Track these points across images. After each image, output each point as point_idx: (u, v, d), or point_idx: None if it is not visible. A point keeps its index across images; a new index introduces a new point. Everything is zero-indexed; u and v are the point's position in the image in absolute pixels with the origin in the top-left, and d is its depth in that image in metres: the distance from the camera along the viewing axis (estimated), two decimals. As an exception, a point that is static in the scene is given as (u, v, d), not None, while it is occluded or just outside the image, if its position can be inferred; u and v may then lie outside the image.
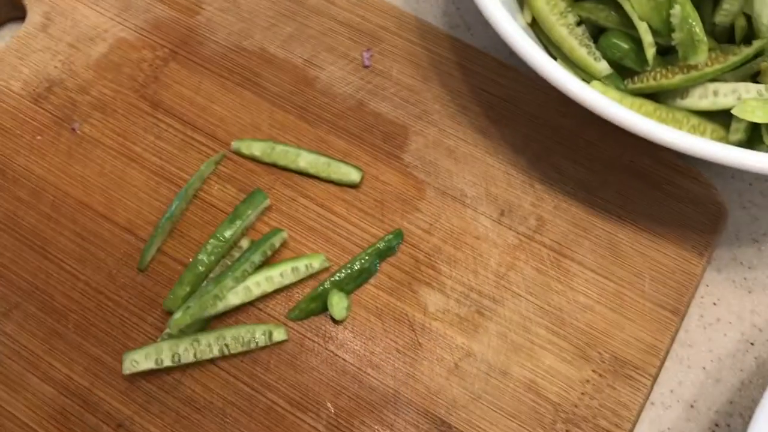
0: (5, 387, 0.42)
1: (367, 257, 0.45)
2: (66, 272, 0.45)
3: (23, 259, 0.45)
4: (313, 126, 0.49)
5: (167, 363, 0.41)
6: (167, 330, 0.43)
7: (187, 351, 0.42)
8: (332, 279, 0.44)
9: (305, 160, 0.47)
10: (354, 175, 0.47)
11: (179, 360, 0.41)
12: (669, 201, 0.46)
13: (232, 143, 0.48)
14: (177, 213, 0.46)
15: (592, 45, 0.47)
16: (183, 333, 0.42)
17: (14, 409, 0.42)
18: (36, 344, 0.43)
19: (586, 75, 0.47)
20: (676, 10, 0.43)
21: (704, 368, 0.45)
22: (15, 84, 0.51)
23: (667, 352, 0.43)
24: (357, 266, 0.44)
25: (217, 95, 0.50)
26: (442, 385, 0.42)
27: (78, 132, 0.49)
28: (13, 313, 0.44)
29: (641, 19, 0.44)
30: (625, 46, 0.46)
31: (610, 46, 0.46)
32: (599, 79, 0.46)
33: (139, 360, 0.41)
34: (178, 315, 0.41)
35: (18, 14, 0.55)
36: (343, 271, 0.44)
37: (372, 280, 0.45)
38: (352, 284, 0.44)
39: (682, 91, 0.45)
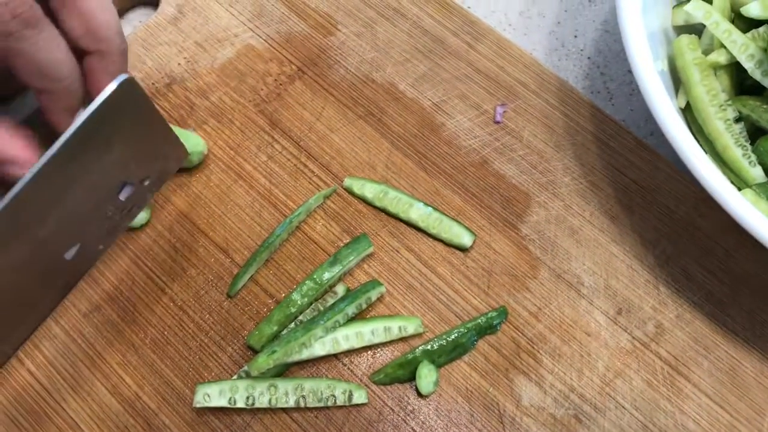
0: (73, 392, 0.40)
1: (465, 331, 0.41)
2: (153, 283, 0.43)
3: (113, 260, 0.43)
4: (431, 176, 0.46)
5: (240, 404, 0.39)
6: (245, 368, 0.40)
7: (262, 395, 0.39)
8: (424, 348, 0.41)
9: (417, 213, 0.44)
10: (466, 239, 0.44)
11: (253, 403, 0.39)
12: (807, 336, 0.42)
13: (345, 179, 0.45)
14: (277, 243, 0.43)
15: (749, 147, 0.43)
16: (261, 374, 0.40)
17: (78, 417, 0.40)
18: (110, 353, 0.41)
19: (735, 178, 0.43)
20: None
21: None
22: (137, 74, 0.49)
23: (778, 506, 0.39)
24: (453, 338, 0.41)
25: (338, 125, 0.47)
26: (522, 489, 0.39)
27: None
28: (94, 315, 0.42)
29: (814, 131, 0.40)
30: (787, 155, 0.42)
31: (769, 152, 0.42)
32: (750, 187, 0.42)
33: (213, 395, 0.39)
34: (261, 358, 0.39)
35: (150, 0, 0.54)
36: (438, 341, 0.41)
37: (466, 357, 0.41)
38: (444, 357, 0.41)
39: (844, 217, 0.40)
